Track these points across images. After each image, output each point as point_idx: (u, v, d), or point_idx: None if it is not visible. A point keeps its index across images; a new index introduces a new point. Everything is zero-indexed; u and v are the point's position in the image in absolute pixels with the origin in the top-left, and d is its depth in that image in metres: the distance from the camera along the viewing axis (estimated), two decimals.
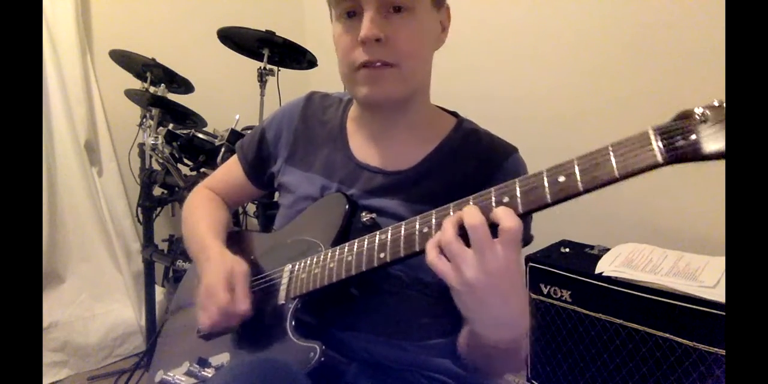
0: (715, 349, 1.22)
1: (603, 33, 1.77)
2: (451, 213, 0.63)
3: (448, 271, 0.59)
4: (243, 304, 0.79)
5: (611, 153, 0.53)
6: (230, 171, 1.05)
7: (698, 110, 0.49)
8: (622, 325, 1.37)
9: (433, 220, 0.65)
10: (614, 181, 0.53)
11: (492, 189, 0.61)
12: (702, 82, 1.57)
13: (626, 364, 1.38)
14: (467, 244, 0.58)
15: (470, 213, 0.58)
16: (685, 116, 0.50)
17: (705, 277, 1.31)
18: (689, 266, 1.38)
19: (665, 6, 1.63)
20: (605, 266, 1.44)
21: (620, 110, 1.76)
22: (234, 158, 1.04)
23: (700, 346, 1.24)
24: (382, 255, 0.69)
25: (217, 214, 1.00)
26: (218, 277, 0.81)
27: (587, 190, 0.54)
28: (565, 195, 0.56)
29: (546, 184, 0.57)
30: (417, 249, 0.66)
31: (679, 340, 1.28)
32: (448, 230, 0.59)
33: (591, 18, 1.79)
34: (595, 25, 1.79)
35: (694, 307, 1.25)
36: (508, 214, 0.57)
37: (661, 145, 0.50)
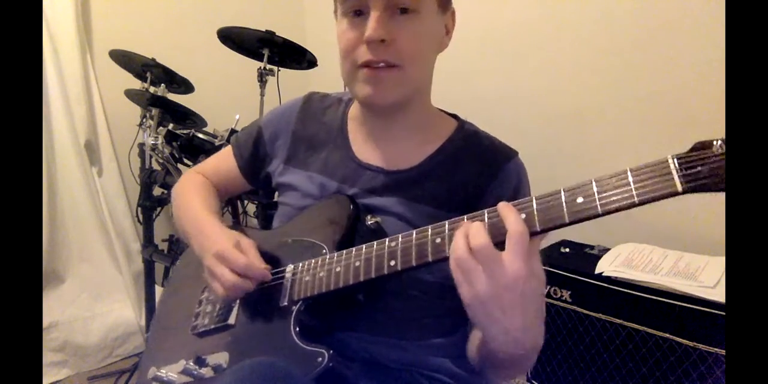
0: (715, 349, 1.22)
1: (603, 33, 1.77)
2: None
3: (462, 283, 0.59)
4: (262, 263, 0.78)
5: (630, 178, 0.53)
6: (224, 162, 1.04)
7: (717, 142, 0.49)
8: (622, 325, 1.37)
9: (446, 231, 0.65)
10: (632, 206, 0.53)
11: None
12: (702, 81, 1.57)
13: (626, 364, 1.37)
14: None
15: (476, 234, 0.58)
16: (703, 147, 0.50)
17: (705, 277, 1.31)
18: (689, 266, 1.38)
19: (666, 6, 1.63)
20: (605, 266, 1.44)
21: (620, 110, 1.76)
22: (228, 150, 1.03)
23: (700, 346, 1.24)
24: (392, 263, 0.68)
25: (210, 199, 0.99)
26: (227, 244, 0.80)
27: (605, 213, 0.55)
28: (582, 216, 0.56)
29: (564, 203, 0.57)
30: (429, 259, 0.65)
31: (679, 340, 1.28)
32: (461, 246, 0.59)
33: (592, 18, 1.79)
34: (595, 25, 1.79)
35: (694, 307, 1.25)
36: (516, 220, 0.57)
37: (681, 175, 0.50)
